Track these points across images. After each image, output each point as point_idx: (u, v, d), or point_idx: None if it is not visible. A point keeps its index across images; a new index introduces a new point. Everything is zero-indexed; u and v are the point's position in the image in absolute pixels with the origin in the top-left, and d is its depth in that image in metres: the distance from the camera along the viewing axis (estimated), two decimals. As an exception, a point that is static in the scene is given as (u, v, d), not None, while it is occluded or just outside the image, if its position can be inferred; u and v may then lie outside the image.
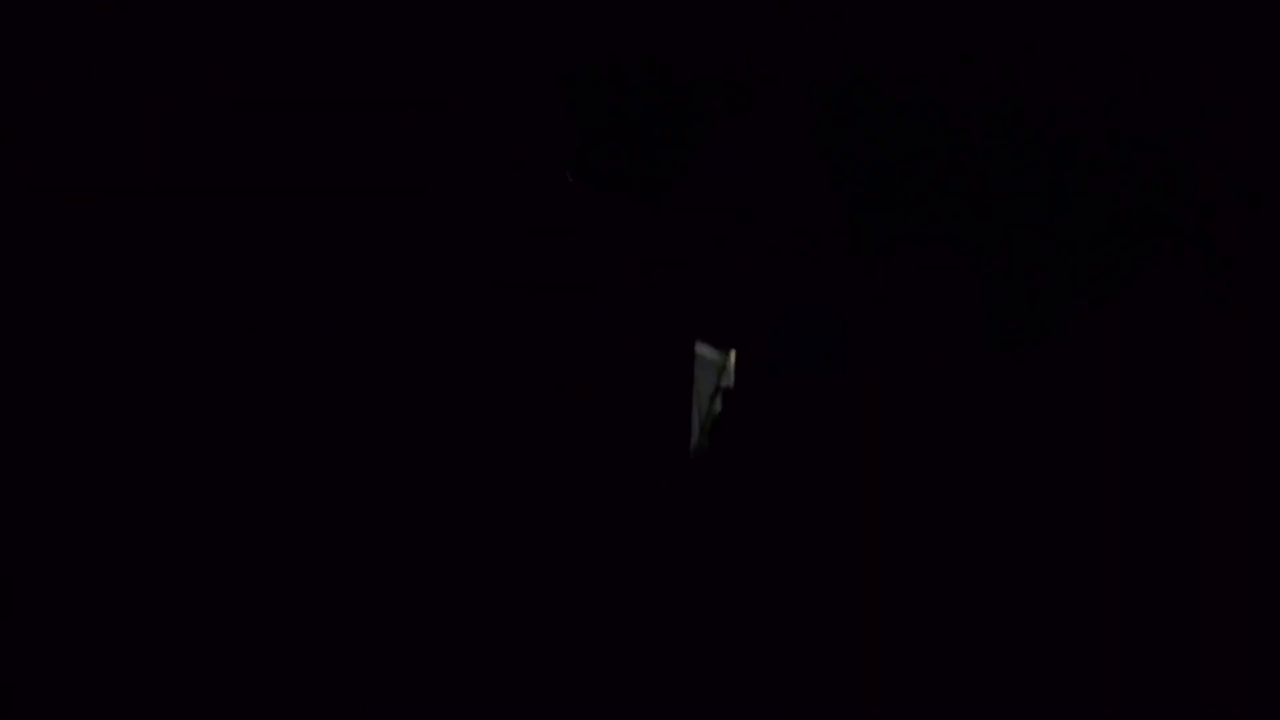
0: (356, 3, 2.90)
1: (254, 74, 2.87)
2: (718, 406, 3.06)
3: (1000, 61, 2.81)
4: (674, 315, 2.91)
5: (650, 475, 2.88)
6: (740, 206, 2.84)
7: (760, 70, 2.76)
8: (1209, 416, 2.76)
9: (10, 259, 2.73)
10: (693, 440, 3.02)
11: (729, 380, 3.11)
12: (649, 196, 2.66)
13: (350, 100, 2.89)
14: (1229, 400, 2.75)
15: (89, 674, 2.63)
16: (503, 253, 2.88)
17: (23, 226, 2.75)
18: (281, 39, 2.88)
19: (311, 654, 2.72)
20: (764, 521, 2.86)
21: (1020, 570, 2.79)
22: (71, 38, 2.80)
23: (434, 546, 2.80)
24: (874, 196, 2.72)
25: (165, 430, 2.76)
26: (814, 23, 2.66)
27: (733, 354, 3.11)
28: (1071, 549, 2.78)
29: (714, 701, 2.74)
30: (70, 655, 2.63)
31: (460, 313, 2.87)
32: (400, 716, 2.72)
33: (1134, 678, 2.71)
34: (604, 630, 2.78)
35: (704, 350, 3.10)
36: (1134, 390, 2.80)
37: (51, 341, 2.74)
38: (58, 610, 2.64)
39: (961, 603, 2.77)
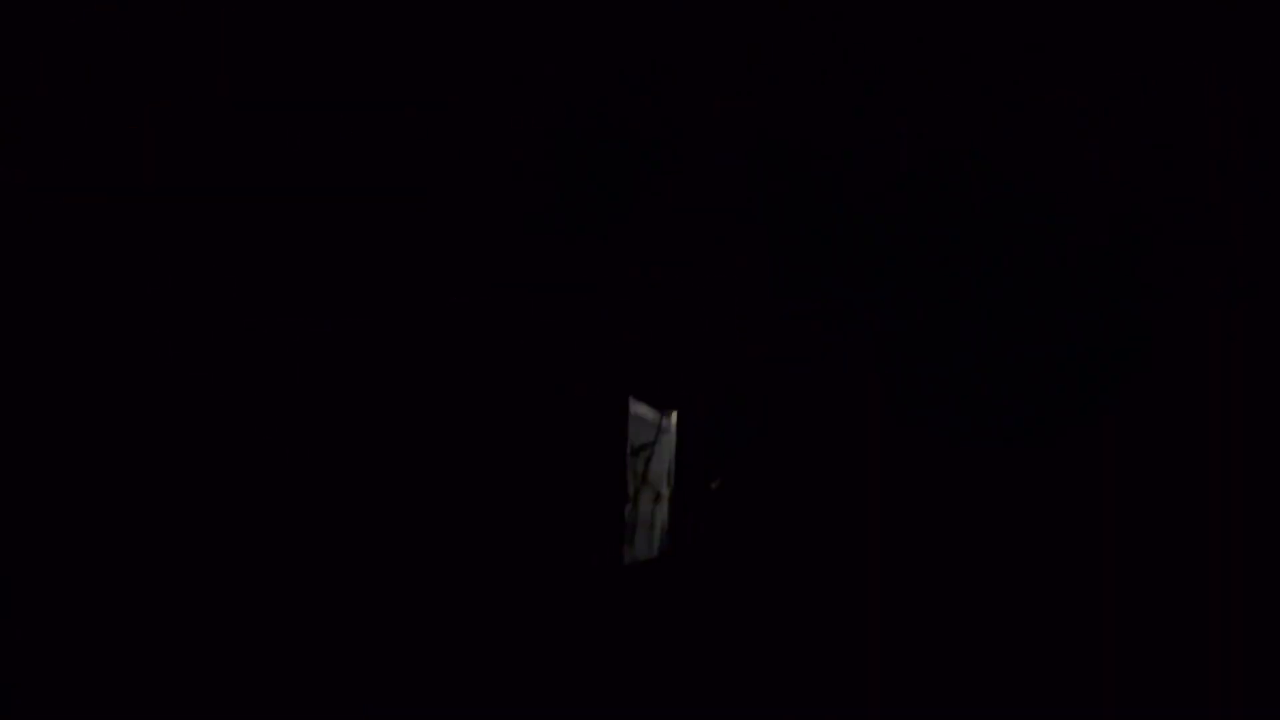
0: (356, 3, 2.90)
1: (254, 74, 2.87)
2: (656, 471, 2.93)
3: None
4: (607, 368, 2.77)
5: (577, 549, 2.75)
6: (681, 259, 2.79)
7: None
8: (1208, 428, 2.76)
9: (10, 259, 2.73)
10: (626, 509, 2.88)
11: (669, 442, 2.97)
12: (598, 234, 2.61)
13: (350, 100, 2.89)
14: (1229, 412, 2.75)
15: (89, 674, 2.63)
16: (503, 253, 2.88)
17: (23, 226, 2.75)
18: (281, 39, 2.88)
19: (311, 654, 2.72)
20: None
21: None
22: (71, 38, 2.80)
23: (431, 547, 2.80)
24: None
25: (165, 430, 2.76)
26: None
27: (674, 414, 2.97)
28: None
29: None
30: (70, 655, 2.63)
31: (461, 312, 2.87)
32: (400, 716, 2.72)
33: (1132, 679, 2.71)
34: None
35: (640, 409, 2.96)
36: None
37: (51, 341, 2.74)
38: (58, 610, 2.64)
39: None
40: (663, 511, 3.01)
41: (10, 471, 2.67)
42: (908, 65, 2.83)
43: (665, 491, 3.03)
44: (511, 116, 2.91)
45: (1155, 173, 2.77)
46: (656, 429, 3.06)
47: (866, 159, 2.86)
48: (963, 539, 2.79)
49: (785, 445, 2.86)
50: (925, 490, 2.81)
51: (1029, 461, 2.80)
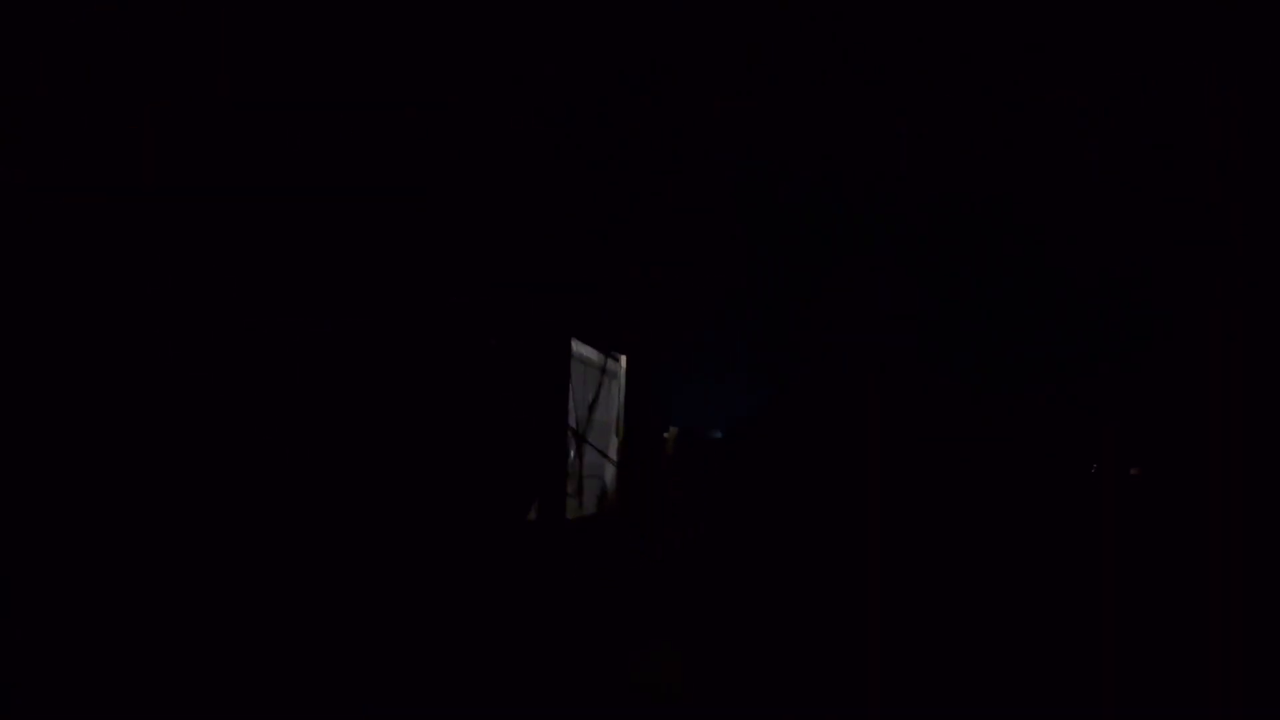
0: (356, 4, 2.89)
1: (254, 74, 2.87)
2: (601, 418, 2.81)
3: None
4: (547, 309, 2.62)
5: (515, 501, 2.65)
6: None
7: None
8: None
9: (10, 259, 2.73)
10: (569, 459, 2.71)
11: (618, 389, 2.76)
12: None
13: (350, 100, 2.89)
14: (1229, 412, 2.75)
15: (89, 674, 2.63)
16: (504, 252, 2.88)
17: (23, 226, 2.75)
18: (281, 39, 2.88)
19: (311, 654, 2.72)
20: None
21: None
22: (71, 38, 2.80)
23: (432, 546, 2.80)
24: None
25: (165, 430, 2.76)
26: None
27: (623, 360, 2.76)
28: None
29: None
30: (70, 655, 2.63)
31: (461, 312, 2.87)
32: (400, 716, 2.72)
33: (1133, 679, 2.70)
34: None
35: (583, 350, 2.72)
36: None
37: (52, 341, 2.73)
38: (58, 610, 2.64)
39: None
40: (610, 467, 2.86)
41: (10, 470, 2.67)
42: (908, 65, 2.83)
43: (614, 440, 2.85)
44: (511, 116, 2.90)
45: (1155, 173, 2.77)
46: (601, 372, 2.79)
47: (866, 159, 2.85)
48: (962, 539, 2.78)
49: (783, 445, 2.85)
50: (924, 489, 2.81)
51: (1029, 461, 2.80)
